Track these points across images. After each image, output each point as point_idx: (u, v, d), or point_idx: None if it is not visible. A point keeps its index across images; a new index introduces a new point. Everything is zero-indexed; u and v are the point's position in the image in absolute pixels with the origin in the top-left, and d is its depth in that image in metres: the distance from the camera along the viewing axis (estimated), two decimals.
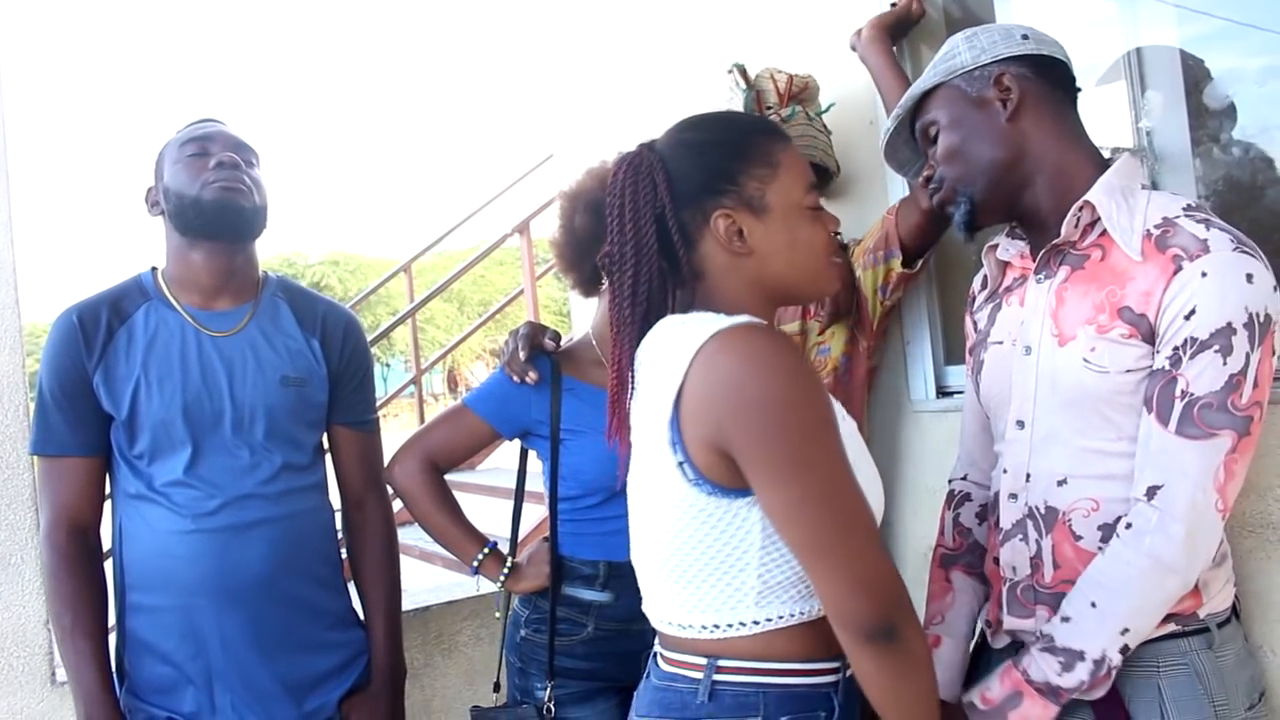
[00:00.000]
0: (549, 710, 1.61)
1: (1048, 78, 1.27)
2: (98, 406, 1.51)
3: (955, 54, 1.30)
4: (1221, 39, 1.72)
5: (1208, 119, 1.72)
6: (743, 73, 1.85)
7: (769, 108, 1.81)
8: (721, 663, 1.04)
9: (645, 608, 1.15)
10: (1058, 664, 1.14)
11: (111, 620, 1.55)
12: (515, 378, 1.64)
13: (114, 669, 1.53)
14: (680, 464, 1.03)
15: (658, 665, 1.13)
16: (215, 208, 1.53)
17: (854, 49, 1.86)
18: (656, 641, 1.15)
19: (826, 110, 1.91)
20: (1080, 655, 1.13)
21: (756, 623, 1.03)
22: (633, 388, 1.15)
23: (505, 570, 1.68)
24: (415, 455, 1.68)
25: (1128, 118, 1.79)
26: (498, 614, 1.78)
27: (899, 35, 1.89)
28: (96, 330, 1.52)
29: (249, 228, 1.58)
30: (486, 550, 1.68)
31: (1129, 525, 1.14)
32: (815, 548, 0.99)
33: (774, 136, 1.15)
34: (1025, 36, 1.28)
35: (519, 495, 1.83)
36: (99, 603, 1.52)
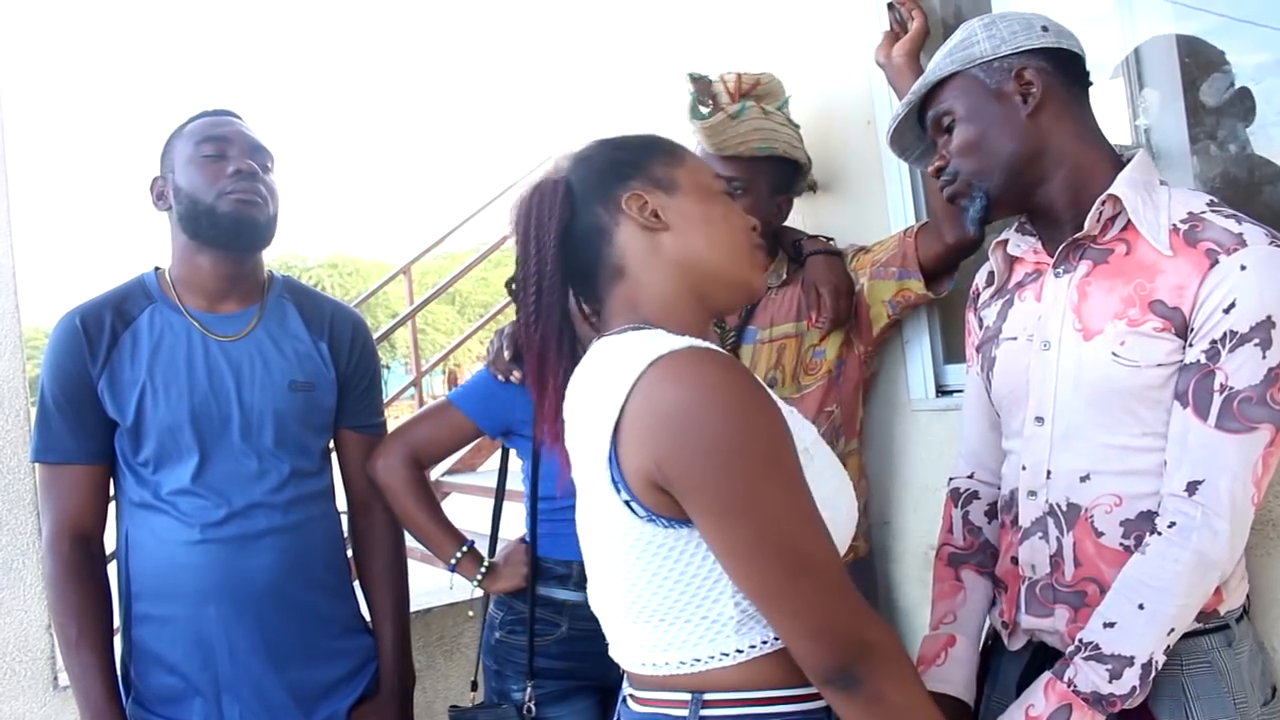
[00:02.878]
0: (529, 710, 1.61)
1: (1066, 72, 1.26)
2: (101, 412, 1.49)
3: (973, 42, 1.27)
4: (1218, 35, 1.72)
5: (1205, 116, 1.72)
6: (694, 79, 1.87)
7: (722, 107, 1.82)
8: (708, 696, 0.97)
9: (613, 652, 1.09)
10: (1106, 672, 1.11)
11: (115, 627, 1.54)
12: (500, 376, 1.64)
13: (119, 679, 1.52)
14: (627, 502, 0.96)
15: (629, 708, 1.06)
16: (230, 220, 1.50)
17: (880, 65, 1.80)
18: (625, 683, 1.09)
19: (783, 104, 1.90)
20: (1129, 661, 1.11)
21: (740, 650, 0.97)
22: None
23: (482, 570, 1.68)
24: (398, 451, 1.66)
25: (1125, 115, 1.79)
26: (471, 613, 1.78)
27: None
28: (100, 334, 1.49)
29: (262, 240, 1.57)
30: (464, 549, 1.68)
31: (1172, 524, 1.13)
32: (764, 593, 0.93)
33: (674, 142, 1.15)
34: (1045, 28, 1.26)
35: (499, 495, 1.83)
36: (104, 612, 1.51)
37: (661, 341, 0.97)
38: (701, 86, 1.85)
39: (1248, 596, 1.27)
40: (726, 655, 0.97)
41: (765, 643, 0.97)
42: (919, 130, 1.39)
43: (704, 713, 0.97)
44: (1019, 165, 1.25)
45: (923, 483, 1.95)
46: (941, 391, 1.94)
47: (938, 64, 1.30)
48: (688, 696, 0.98)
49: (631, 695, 1.06)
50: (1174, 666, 1.17)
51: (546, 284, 1.06)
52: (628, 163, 1.09)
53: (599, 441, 0.98)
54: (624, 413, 0.95)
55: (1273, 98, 1.67)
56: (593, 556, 1.09)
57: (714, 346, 1.00)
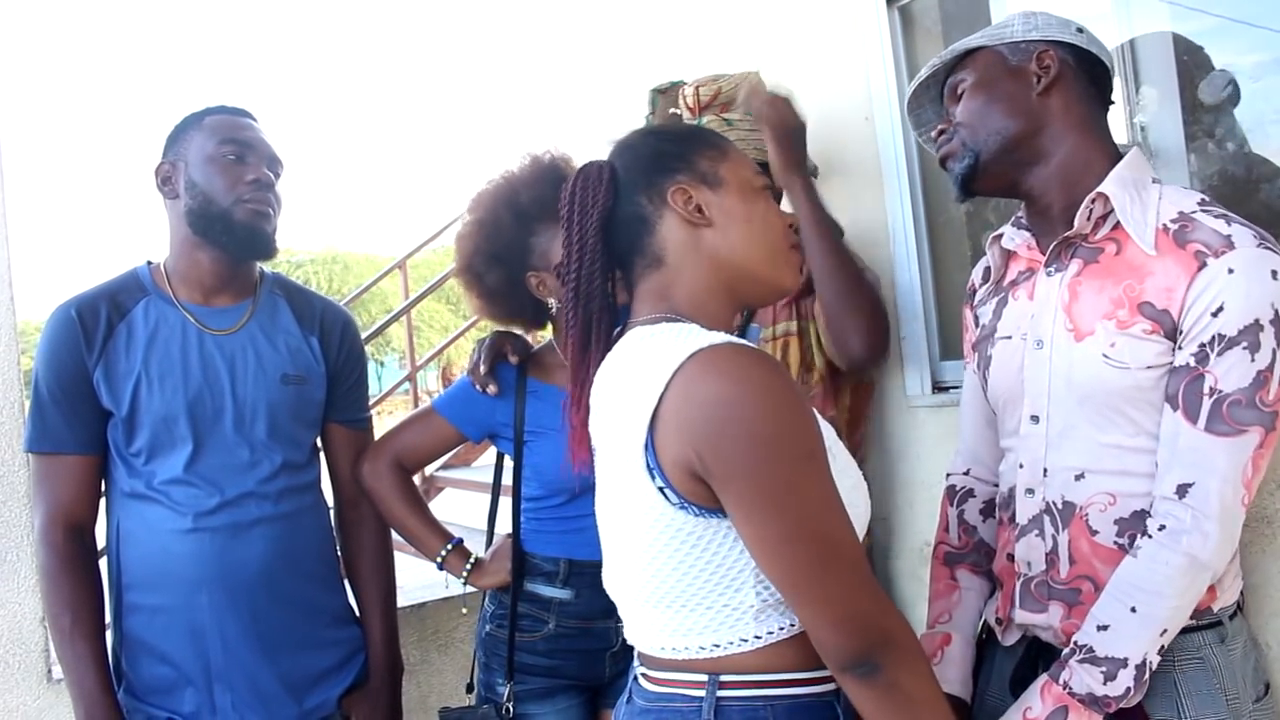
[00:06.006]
0: (508, 711, 1.63)
1: (1088, 73, 1.28)
2: (96, 403, 1.50)
3: (1009, 25, 1.31)
4: (1216, 35, 1.72)
5: (1202, 114, 1.73)
6: (660, 91, 1.90)
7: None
8: (724, 678, 1.00)
9: (629, 634, 1.11)
10: (1100, 674, 1.12)
11: (106, 620, 1.54)
12: (478, 387, 1.68)
13: (111, 670, 1.51)
14: (661, 489, 0.98)
15: (641, 687, 1.07)
16: (245, 229, 1.53)
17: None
18: (636, 663, 1.11)
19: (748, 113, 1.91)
20: (1123, 663, 1.12)
21: (758, 637, 1.00)
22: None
23: (468, 566, 1.70)
24: (384, 456, 1.70)
25: (1122, 113, 1.79)
26: (464, 609, 1.80)
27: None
28: (96, 325, 1.50)
29: (266, 251, 1.58)
30: (450, 546, 1.70)
31: (1162, 526, 1.14)
32: (795, 583, 0.95)
33: (719, 135, 1.17)
34: (1080, 30, 1.29)
35: (495, 491, 1.84)
36: (97, 602, 1.51)
37: (700, 335, 0.99)
38: (668, 97, 1.88)
39: (1241, 593, 1.27)
40: (745, 641, 1.00)
41: (782, 629, 1.00)
42: (938, 105, 1.40)
43: (720, 693, 1.00)
44: (1015, 139, 1.27)
45: (919, 479, 1.95)
46: (938, 388, 1.94)
47: (969, 39, 1.33)
48: (704, 678, 1.01)
49: (645, 674, 1.08)
50: (1166, 663, 1.17)
51: (585, 272, 1.09)
52: (674, 154, 1.10)
53: (634, 429, 0.99)
54: (662, 401, 0.97)
55: (1271, 97, 1.67)
56: (614, 540, 1.10)
57: (750, 344, 1.01)
